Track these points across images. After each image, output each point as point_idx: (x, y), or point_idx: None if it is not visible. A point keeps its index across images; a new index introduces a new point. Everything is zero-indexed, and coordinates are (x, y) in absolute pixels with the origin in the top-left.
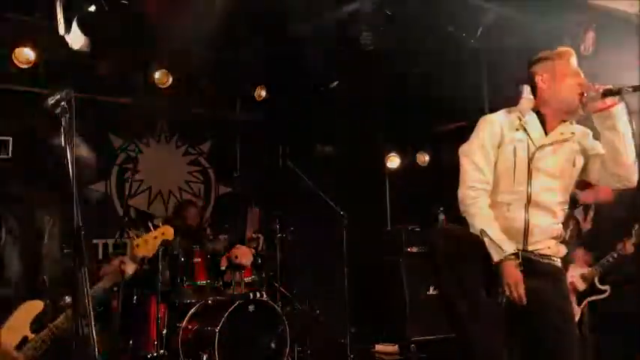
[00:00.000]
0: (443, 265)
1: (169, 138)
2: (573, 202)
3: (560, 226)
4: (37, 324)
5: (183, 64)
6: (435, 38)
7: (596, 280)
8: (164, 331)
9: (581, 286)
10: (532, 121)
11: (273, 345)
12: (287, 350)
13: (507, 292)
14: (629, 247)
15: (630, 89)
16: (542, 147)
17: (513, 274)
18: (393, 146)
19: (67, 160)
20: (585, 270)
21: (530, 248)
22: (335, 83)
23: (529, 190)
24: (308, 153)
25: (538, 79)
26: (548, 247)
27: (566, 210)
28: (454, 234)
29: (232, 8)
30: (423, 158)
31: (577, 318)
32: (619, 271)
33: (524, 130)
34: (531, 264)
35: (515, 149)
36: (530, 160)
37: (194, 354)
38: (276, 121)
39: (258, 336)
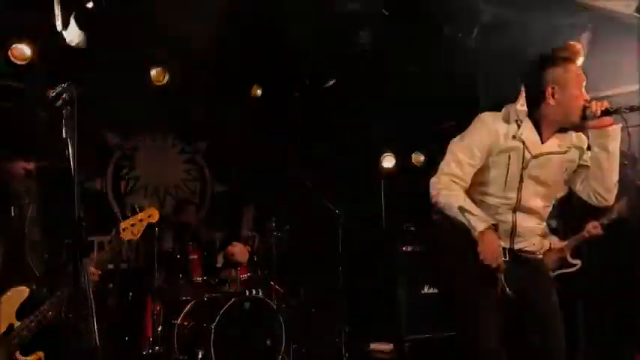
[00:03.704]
0: (444, 257)
1: (165, 136)
2: None
3: (545, 224)
4: (24, 311)
5: (179, 62)
6: (431, 37)
7: (567, 253)
8: (159, 328)
9: (551, 259)
10: (528, 130)
11: (268, 342)
12: (282, 348)
13: (486, 261)
14: (596, 229)
15: (627, 110)
16: (537, 156)
17: (495, 242)
18: (388, 146)
19: (69, 152)
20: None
21: (516, 247)
22: (332, 82)
23: (519, 196)
24: (304, 152)
25: (548, 91)
26: (533, 244)
27: (550, 209)
28: (454, 227)
29: (230, 6)
30: (419, 158)
31: None
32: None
33: (521, 139)
34: (517, 258)
35: (509, 157)
36: (523, 169)
37: (190, 351)
38: (272, 120)
39: (254, 333)
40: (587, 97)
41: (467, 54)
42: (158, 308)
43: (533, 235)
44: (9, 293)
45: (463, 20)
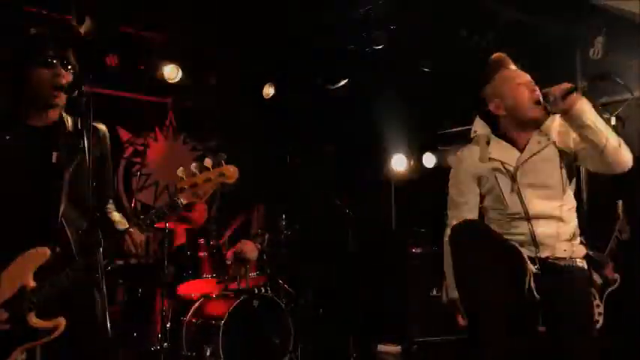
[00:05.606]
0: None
1: (177, 133)
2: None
3: (572, 225)
4: (40, 275)
5: (192, 60)
6: (445, 39)
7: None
8: (168, 325)
9: (598, 279)
10: (499, 145)
11: (276, 341)
12: (290, 346)
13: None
14: (624, 228)
15: (585, 84)
16: (521, 164)
17: None
18: (399, 147)
19: (84, 143)
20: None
21: (543, 255)
22: (344, 82)
23: (524, 207)
24: (315, 152)
25: (492, 107)
26: (564, 250)
27: (574, 208)
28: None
29: (242, 5)
30: (430, 160)
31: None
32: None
33: (494, 157)
34: (547, 267)
35: (496, 177)
36: (514, 182)
37: (198, 348)
38: (284, 119)
39: (262, 331)
40: (536, 87)
41: (482, 56)
42: (167, 305)
43: (559, 240)
44: (29, 253)
45: (479, 22)
